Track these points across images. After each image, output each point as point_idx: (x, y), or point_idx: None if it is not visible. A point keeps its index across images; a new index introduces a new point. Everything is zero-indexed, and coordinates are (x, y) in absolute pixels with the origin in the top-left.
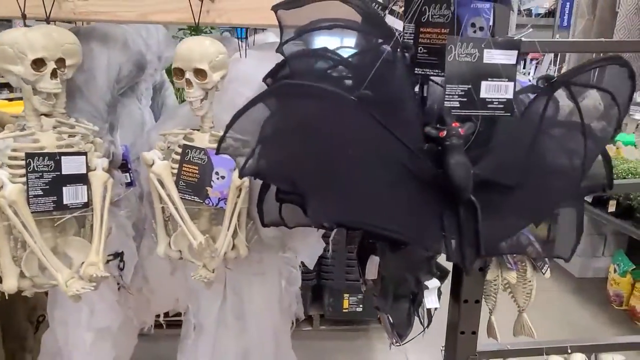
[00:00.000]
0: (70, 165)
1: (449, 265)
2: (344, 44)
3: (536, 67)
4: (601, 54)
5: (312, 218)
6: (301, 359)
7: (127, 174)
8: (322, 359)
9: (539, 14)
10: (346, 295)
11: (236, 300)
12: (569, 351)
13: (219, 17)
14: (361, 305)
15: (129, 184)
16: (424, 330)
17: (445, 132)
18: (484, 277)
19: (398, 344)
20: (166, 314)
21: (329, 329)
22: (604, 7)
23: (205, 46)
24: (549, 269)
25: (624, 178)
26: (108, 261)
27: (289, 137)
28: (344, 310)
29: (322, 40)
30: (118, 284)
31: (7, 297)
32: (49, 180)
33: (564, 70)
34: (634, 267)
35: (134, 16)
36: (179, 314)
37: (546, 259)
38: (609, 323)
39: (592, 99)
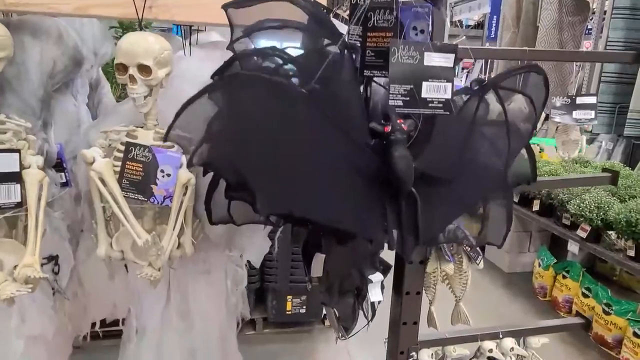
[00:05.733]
0: (2, 163)
1: (391, 260)
2: (292, 44)
3: (467, 75)
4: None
5: (260, 210)
6: None
7: (62, 174)
8: None
9: (469, 26)
10: (289, 297)
11: (181, 300)
12: (501, 336)
13: (162, 14)
14: (304, 307)
15: (64, 184)
16: (368, 323)
17: (390, 127)
18: (424, 270)
19: (344, 338)
20: (103, 323)
21: (273, 332)
22: (526, 21)
23: (150, 42)
24: (482, 260)
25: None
26: (42, 265)
27: (237, 129)
28: (288, 312)
29: (270, 40)
30: (53, 288)
31: None
32: None
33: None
34: (556, 261)
35: (70, 9)
36: (116, 323)
37: (479, 252)
38: (534, 313)
39: (518, 102)
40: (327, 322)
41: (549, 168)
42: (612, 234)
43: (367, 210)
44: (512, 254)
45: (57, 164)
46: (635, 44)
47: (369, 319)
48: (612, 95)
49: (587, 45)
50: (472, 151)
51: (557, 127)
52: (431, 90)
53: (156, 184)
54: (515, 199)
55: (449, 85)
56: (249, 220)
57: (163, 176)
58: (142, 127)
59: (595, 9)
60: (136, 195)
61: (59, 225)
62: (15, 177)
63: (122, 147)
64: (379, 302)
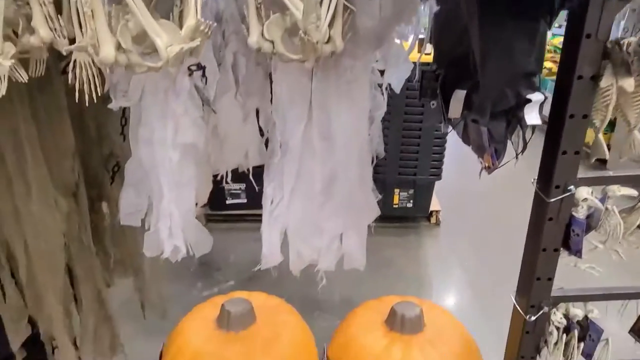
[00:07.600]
0: None
1: None
2: None
3: None
4: None
5: None
6: None
7: None
8: (372, 254)
9: None
10: (397, 191)
11: (323, 119)
12: None
13: None
14: (411, 201)
15: None
16: (517, 155)
17: None
18: (594, 88)
19: (491, 168)
20: (220, 206)
21: (379, 225)
22: None
23: None
24: None
25: None
26: (191, 73)
27: None
28: (394, 206)
29: None
30: (201, 99)
31: (84, 142)
32: None
33: None
34: None
35: None
36: (229, 207)
37: None
38: None
39: None
40: (432, 220)
41: None
42: None
43: None
44: None
45: None
46: None
47: (520, 151)
48: None
49: None
50: None
51: None
52: None
53: None
54: None
55: None
56: None
57: None
58: None
59: None
60: None
61: None
62: None
63: None
64: (536, 125)
